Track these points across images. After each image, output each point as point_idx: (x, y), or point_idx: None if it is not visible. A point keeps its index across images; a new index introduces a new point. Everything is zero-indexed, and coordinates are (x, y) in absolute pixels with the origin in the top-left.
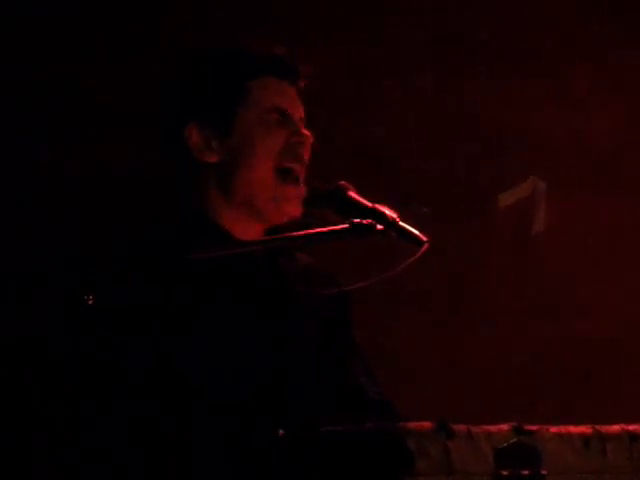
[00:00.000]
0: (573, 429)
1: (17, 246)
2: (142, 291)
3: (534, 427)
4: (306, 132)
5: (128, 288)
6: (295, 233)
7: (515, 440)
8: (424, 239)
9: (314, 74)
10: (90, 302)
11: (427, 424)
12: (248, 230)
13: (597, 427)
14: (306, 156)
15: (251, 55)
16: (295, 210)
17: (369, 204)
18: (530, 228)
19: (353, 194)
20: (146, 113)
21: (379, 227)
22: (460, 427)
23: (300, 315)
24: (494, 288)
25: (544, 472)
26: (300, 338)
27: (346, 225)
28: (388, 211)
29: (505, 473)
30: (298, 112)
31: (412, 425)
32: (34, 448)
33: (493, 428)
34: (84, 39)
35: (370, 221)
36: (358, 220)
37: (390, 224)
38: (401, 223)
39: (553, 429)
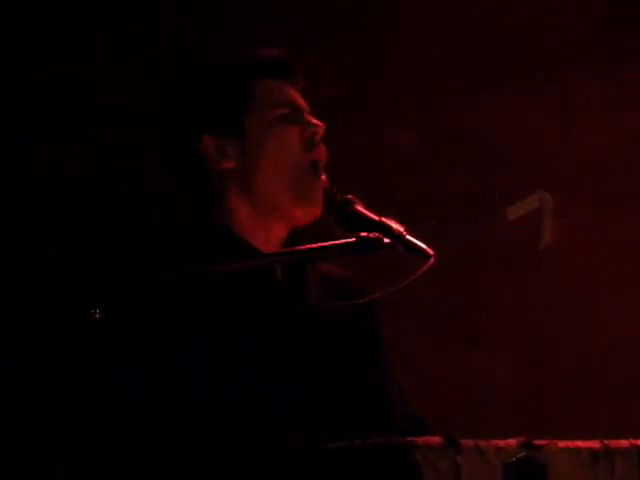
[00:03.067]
0: (582, 444)
1: (21, 249)
2: (158, 306)
3: (543, 442)
4: (318, 122)
5: (144, 303)
6: (300, 247)
7: (524, 455)
8: (431, 253)
9: (308, 74)
10: (97, 316)
11: (436, 439)
12: (270, 234)
13: (605, 442)
14: (324, 151)
15: (250, 59)
16: (318, 205)
17: (376, 217)
18: (538, 242)
19: (360, 207)
20: (147, 114)
21: (386, 241)
22: (468, 442)
23: (326, 329)
24: (504, 303)
25: None
26: (327, 353)
27: (353, 239)
28: (395, 225)
29: None
30: (304, 104)
31: (420, 440)
32: (36, 448)
33: (502, 443)
34: (84, 39)
35: (377, 235)
36: (365, 234)
37: (397, 238)
38: (408, 237)
39: (561, 444)
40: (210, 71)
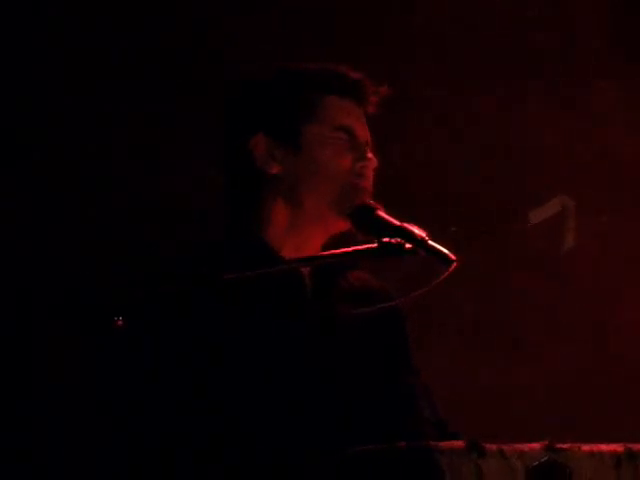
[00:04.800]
0: (605, 447)
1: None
2: (183, 312)
3: (566, 445)
4: (372, 156)
5: (167, 309)
6: (322, 253)
7: (547, 458)
8: (453, 258)
9: (385, 98)
10: (119, 324)
11: (459, 443)
12: (307, 243)
13: (629, 445)
14: (371, 179)
15: (322, 72)
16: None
17: (397, 223)
18: (559, 246)
19: (381, 213)
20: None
21: (408, 246)
22: (491, 446)
23: (352, 335)
24: (523, 307)
25: None
26: (353, 358)
27: (375, 244)
28: (417, 230)
29: None
30: (365, 134)
31: (444, 444)
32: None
33: (525, 447)
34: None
35: (399, 240)
36: (387, 239)
37: (419, 243)
38: (430, 242)
39: (585, 447)
40: (282, 73)
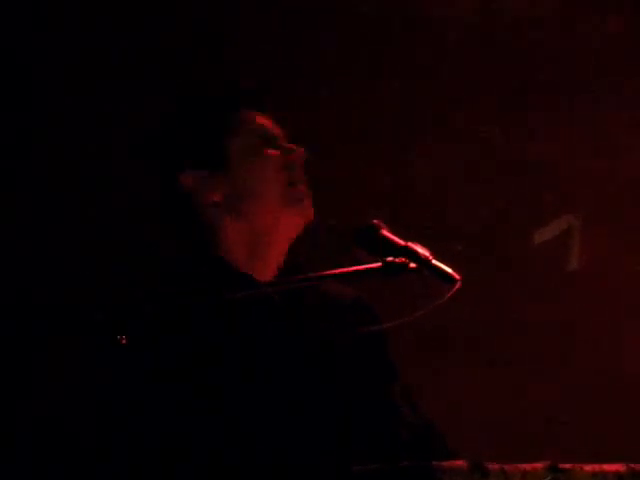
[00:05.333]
0: (607, 467)
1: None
2: (174, 332)
3: (568, 465)
4: (293, 146)
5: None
6: (326, 272)
7: (549, 478)
8: (457, 277)
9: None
10: (123, 342)
11: (461, 463)
12: (267, 260)
13: (631, 465)
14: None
15: (225, 92)
16: (309, 212)
17: (402, 242)
18: (565, 265)
19: (386, 232)
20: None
21: (412, 265)
22: (494, 466)
23: (327, 347)
24: (528, 324)
25: None
26: (331, 373)
27: (379, 264)
28: (421, 249)
29: None
30: (280, 132)
31: (446, 464)
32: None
33: (528, 466)
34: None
35: (403, 259)
36: (391, 258)
37: (423, 262)
38: (434, 261)
39: (587, 467)
40: (186, 105)
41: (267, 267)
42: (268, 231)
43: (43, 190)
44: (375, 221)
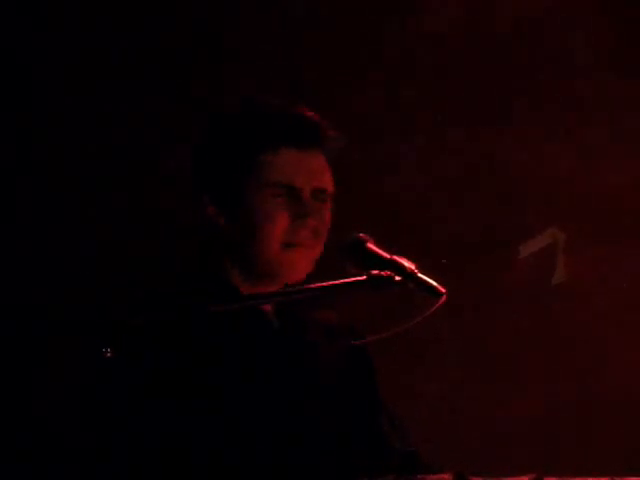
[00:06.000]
0: None
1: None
2: (161, 345)
3: (554, 479)
4: (314, 208)
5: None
6: (312, 285)
7: None
8: (443, 291)
9: (339, 137)
10: (108, 355)
11: (446, 476)
12: (263, 288)
13: (616, 479)
14: (313, 238)
15: (263, 123)
16: (300, 275)
17: (387, 255)
18: (550, 279)
19: (372, 246)
20: None
21: (397, 278)
22: (478, 479)
23: (317, 365)
24: (514, 339)
25: None
26: (318, 388)
27: (364, 277)
28: (407, 262)
29: None
30: (310, 184)
31: (432, 477)
32: None
33: None
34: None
35: (389, 273)
36: (376, 272)
37: (408, 276)
38: (420, 275)
39: None
40: (221, 128)
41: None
42: (258, 273)
43: (43, 190)
44: (361, 235)
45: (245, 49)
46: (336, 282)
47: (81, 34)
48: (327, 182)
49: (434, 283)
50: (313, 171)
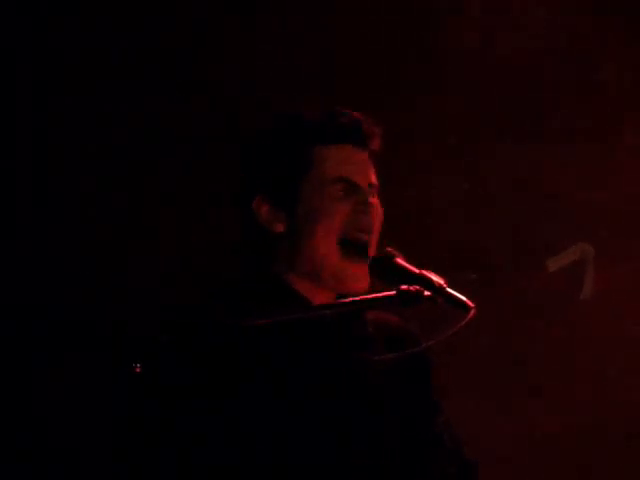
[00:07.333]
0: None
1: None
2: (203, 360)
3: None
4: (373, 200)
5: (185, 357)
6: (342, 300)
7: None
8: (472, 305)
9: (385, 136)
10: (137, 370)
11: None
12: (318, 296)
13: None
14: (374, 225)
15: (315, 123)
16: (361, 286)
17: (416, 270)
18: (579, 293)
19: (400, 261)
20: None
21: (427, 293)
22: None
23: (376, 378)
24: (542, 353)
25: None
26: (377, 401)
27: (393, 292)
28: (435, 277)
29: None
30: (366, 179)
31: None
32: None
33: None
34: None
35: (417, 288)
36: (405, 287)
37: (437, 290)
38: (448, 289)
39: None
40: (273, 131)
41: (319, 298)
42: (317, 280)
43: (43, 190)
44: (389, 249)
45: (245, 49)
46: (366, 297)
47: (81, 34)
48: (376, 178)
49: (463, 297)
50: (367, 167)
